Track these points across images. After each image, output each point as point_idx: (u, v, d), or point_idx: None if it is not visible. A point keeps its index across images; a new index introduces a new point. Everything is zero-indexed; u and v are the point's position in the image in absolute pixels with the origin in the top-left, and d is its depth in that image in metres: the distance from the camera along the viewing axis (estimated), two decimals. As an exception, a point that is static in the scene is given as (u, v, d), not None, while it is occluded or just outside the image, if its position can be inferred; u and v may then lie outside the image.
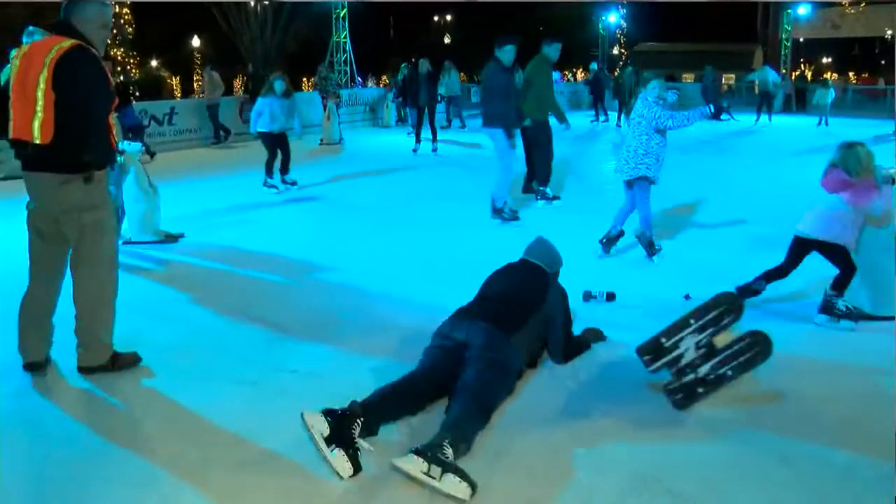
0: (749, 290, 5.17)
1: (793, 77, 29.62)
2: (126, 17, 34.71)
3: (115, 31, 34.95)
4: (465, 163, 13.09)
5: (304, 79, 42.37)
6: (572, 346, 4.26)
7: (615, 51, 46.27)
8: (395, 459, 2.97)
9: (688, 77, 38.53)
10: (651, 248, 6.48)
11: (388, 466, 3.04)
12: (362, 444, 3.14)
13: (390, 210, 8.92)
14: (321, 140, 16.01)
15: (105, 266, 4.00)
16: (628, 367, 4.17)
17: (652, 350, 3.58)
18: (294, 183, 10.27)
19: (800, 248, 5.09)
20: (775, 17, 33.95)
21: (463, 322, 3.82)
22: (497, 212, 8.09)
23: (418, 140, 14.40)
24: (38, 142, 3.69)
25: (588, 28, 42.38)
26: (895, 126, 16.22)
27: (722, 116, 21.35)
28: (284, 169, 10.19)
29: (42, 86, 3.63)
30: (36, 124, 3.67)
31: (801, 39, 37.64)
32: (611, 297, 5.42)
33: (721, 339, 3.58)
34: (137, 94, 19.09)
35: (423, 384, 3.55)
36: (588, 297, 5.41)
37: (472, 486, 2.89)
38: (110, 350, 4.09)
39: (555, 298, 4.08)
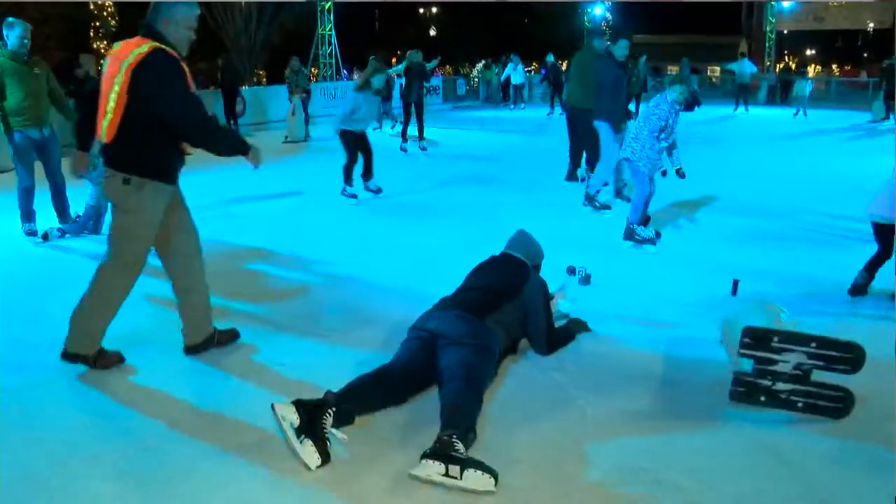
0: (858, 288, 5.19)
1: (777, 69, 29.76)
2: (109, 9, 34.38)
3: (97, 24, 34.88)
4: (439, 157, 13.08)
5: (289, 72, 42.21)
6: (556, 337, 4.27)
7: (600, 43, 46.30)
8: (412, 470, 2.95)
9: (673, 69, 38.65)
10: (630, 235, 6.60)
11: (365, 456, 3.06)
12: (335, 433, 3.16)
13: (375, 203, 8.92)
14: (285, 137, 15.16)
15: (120, 269, 4.00)
16: (615, 359, 4.20)
17: (759, 338, 3.48)
18: (378, 190, 9.27)
19: (885, 232, 5.05)
20: (759, 10, 34.13)
21: (435, 313, 3.88)
22: (589, 199, 8.23)
23: (405, 138, 13.64)
24: (102, 140, 3.84)
25: (574, 20, 42.40)
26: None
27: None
28: (367, 174, 9.22)
29: (116, 89, 3.70)
30: (104, 124, 3.79)
31: (786, 31, 37.87)
32: (586, 280, 5.56)
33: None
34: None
35: (401, 374, 3.56)
36: (571, 271, 5.62)
37: (495, 475, 2.91)
38: (96, 346, 4.07)
39: (534, 290, 4.09)
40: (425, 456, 2.95)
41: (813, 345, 3.44)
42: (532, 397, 3.74)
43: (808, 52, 56.19)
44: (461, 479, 2.88)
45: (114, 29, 35.35)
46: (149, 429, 3.45)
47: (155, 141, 3.80)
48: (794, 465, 3.13)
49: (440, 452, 2.94)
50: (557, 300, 4.70)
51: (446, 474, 2.89)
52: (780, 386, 3.51)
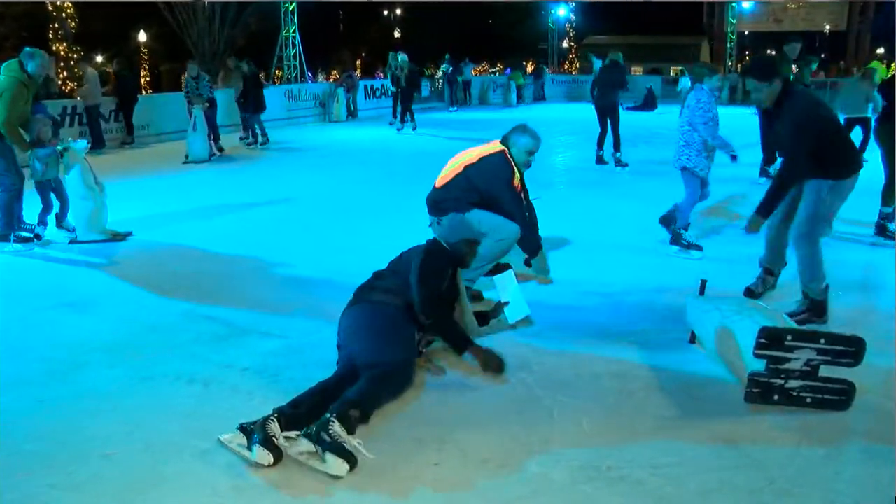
0: None
1: (738, 69, 30.19)
2: (68, 10, 33.77)
3: (56, 25, 34.18)
4: (405, 156, 13.08)
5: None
6: (435, 303, 4.00)
7: (564, 44, 46.63)
8: (288, 446, 3.12)
9: (636, 70, 39.06)
10: (677, 240, 6.44)
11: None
12: (288, 435, 3.17)
13: (332, 204, 8.89)
14: (185, 157, 12.64)
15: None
16: (580, 358, 4.22)
17: (774, 338, 3.53)
18: (626, 165, 11.42)
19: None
20: (720, 11, 34.65)
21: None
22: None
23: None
24: (436, 185, 5.33)
25: (537, 21, 42.60)
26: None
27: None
28: (616, 146, 11.51)
29: (464, 159, 5.26)
30: (440, 177, 5.33)
31: (746, 32, 38.48)
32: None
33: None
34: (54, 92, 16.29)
35: (337, 386, 3.53)
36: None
37: (352, 462, 3.02)
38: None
39: (416, 249, 4.15)
40: (303, 434, 3.11)
41: (822, 341, 3.53)
42: (499, 398, 3.74)
43: (768, 53, 57.04)
44: (323, 462, 3.02)
45: (73, 31, 34.74)
46: (103, 433, 3.40)
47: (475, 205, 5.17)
48: (756, 459, 3.17)
49: (313, 433, 3.08)
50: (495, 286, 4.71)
51: (314, 454, 3.05)
52: (792, 383, 3.57)
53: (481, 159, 5.22)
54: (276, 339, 4.55)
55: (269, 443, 3.08)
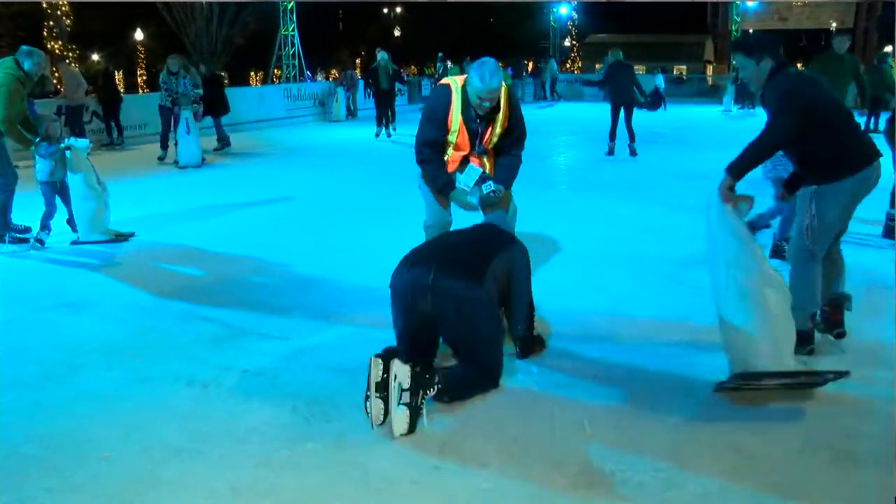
0: None
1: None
2: (64, 8, 33.74)
3: (51, 23, 34.15)
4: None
5: (252, 73, 41.80)
6: (531, 321, 4.18)
7: (567, 42, 46.58)
8: (394, 362, 3.25)
9: (639, 69, 38.95)
10: (779, 253, 5.95)
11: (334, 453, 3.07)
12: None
13: (333, 204, 8.87)
14: (175, 161, 12.26)
15: None
16: (581, 359, 4.20)
17: (749, 378, 3.50)
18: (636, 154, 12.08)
19: None
20: (724, 9, 34.61)
21: (425, 264, 3.74)
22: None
23: None
24: None
25: (539, 19, 42.53)
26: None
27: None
28: (631, 137, 12.09)
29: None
30: None
31: (751, 31, 38.43)
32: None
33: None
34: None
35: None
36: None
37: (411, 430, 3.22)
38: None
39: (521, 251, 4.02)
40: (411, 364, 3.24)
41: (803, 378, 3.53)
42: (499, 400, 3.70)
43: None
44: (396, 408, 3.21)
45: (69, 29, 34.72)
46: (101, 435, 3.37)
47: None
48: (759, 461, 3.14)
49: (419, 376, 3.25)
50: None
51: (407, 401, 3.20)
52: (766, 385, 3.57)
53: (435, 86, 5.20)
54: (275, 340, 4.52)
55: (416, 415, 3.26)
